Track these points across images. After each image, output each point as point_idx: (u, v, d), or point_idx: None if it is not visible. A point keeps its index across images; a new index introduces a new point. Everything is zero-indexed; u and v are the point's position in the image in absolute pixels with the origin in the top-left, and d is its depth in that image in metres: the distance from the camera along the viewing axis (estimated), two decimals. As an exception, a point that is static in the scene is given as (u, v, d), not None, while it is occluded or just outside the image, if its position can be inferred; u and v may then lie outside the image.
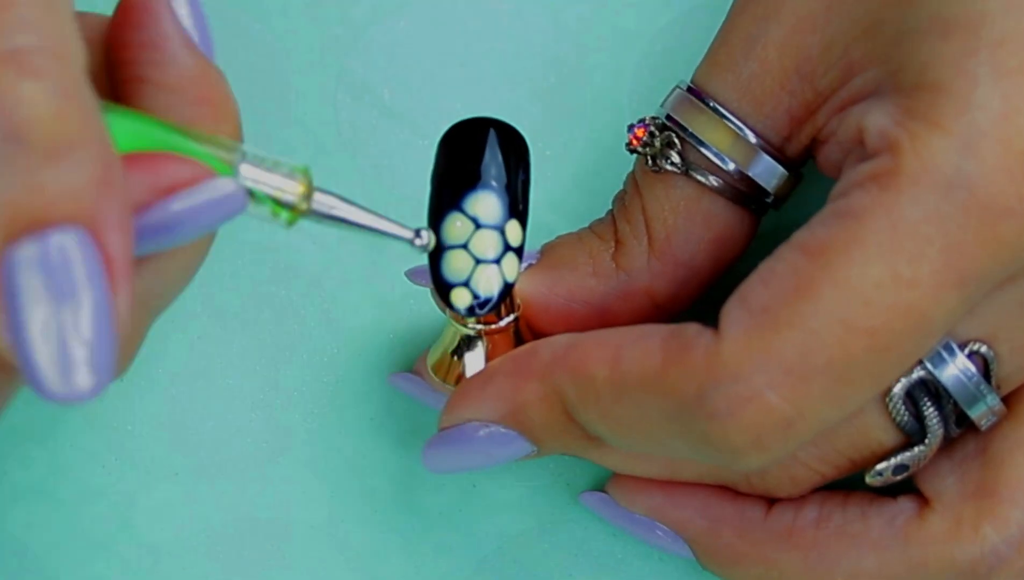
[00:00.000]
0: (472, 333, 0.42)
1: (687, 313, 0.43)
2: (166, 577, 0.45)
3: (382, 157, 0.47)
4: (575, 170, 0.47)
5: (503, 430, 0.41)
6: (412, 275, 0.44)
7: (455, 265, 0.40)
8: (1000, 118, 0.35)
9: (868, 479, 0.40)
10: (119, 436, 0.46)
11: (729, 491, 0.42)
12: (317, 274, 0.47)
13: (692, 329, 0.37)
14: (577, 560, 0.45)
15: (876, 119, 0.37)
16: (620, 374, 0.38)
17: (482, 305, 0.41)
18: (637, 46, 0.48)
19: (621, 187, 0.43)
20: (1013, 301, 0.38)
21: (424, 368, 0.44)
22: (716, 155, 0.41)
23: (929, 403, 0.39)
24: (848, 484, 0.41)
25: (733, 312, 0.37)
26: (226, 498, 0.46)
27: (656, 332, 0.38)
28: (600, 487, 0.45)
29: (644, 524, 0.43)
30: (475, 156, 0.41)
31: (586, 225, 0.43)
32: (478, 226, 0.40)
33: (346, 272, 0.47)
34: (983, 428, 0.40)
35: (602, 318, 0.42)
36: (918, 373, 0.39)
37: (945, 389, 0.39)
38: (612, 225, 0.42)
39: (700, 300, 0.43)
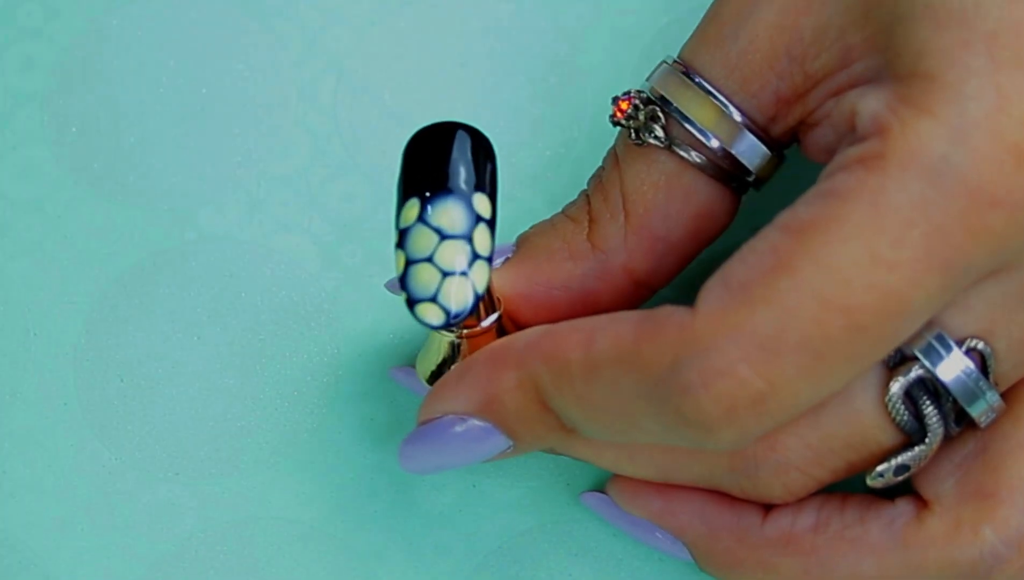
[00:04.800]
0: (456, 338, 0.42)
1: (669, 294, 0.44)
2: (166, 577, 0.45)
3: (382, 157, 0.47)
4: (575, 170, 0.47)
5: (479, 423, 0.41)
6: (390, 286, 0.44)
7: (422, 279, 0.39)
8: (993, 109, 0.35)
9: (869, 481, 0.40)
10: (119, 436, 0.46)
11: (727, 496, 0.42)
12: (317, 274, 0.47)
13: (666, 309, 0.37)
14: (577, 560, 0.45)
15: (869, 104, 0.37)
16: (594, 354, 0.38)
17: (453, 319, 0.39)
18: (637, 46, 0.48)
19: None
20: (1008, 295, 0.38)
21: (417, 370, 0.44)
22: (700, 131, 0.41)
23: (928, 402, 0.39)
24: (845, 487, 0.41)
25: (711, 289, 0.37)
26: (226, 498, 0.46)
27: (631, 314, 0.38)
28: (600, 487, 0.45)
29: (643, 526, 0.43)
30: (440, 162, 0.39)
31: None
32: (443, 237, 0.39)
33: (346, 272, 0.47)
34: (983, 425, 0.40)
35: (584, 301, 0.42)
36: (916, 372, 0.39)
37: (945, 387, 0.39)
38: (586, 205, 0.42)
39: (684, 285, 0.43)
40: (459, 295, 0.39)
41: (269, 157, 0.47)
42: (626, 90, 0.42)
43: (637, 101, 0.42)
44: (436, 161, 0.39)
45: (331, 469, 0.46)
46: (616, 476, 0.43)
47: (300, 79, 0.48)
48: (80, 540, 0.45)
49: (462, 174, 0.39)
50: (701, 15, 0.44)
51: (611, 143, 0.43)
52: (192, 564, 0.45)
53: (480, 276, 0.39)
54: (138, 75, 0.48)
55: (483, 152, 0.40)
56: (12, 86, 0.48)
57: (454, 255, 0.39)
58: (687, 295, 0.44)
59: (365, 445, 0.46)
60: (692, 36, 0.41)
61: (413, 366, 0.45)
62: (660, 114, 0.41)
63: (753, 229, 0.43)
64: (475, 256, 0.39)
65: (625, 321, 0.38)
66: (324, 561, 0.45)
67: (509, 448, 0.41)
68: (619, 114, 0.42)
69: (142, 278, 0.47)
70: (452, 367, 0.42)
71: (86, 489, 0.46)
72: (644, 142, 0.41)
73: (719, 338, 0.36)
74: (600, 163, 0.43)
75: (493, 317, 0.41)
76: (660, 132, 0.41)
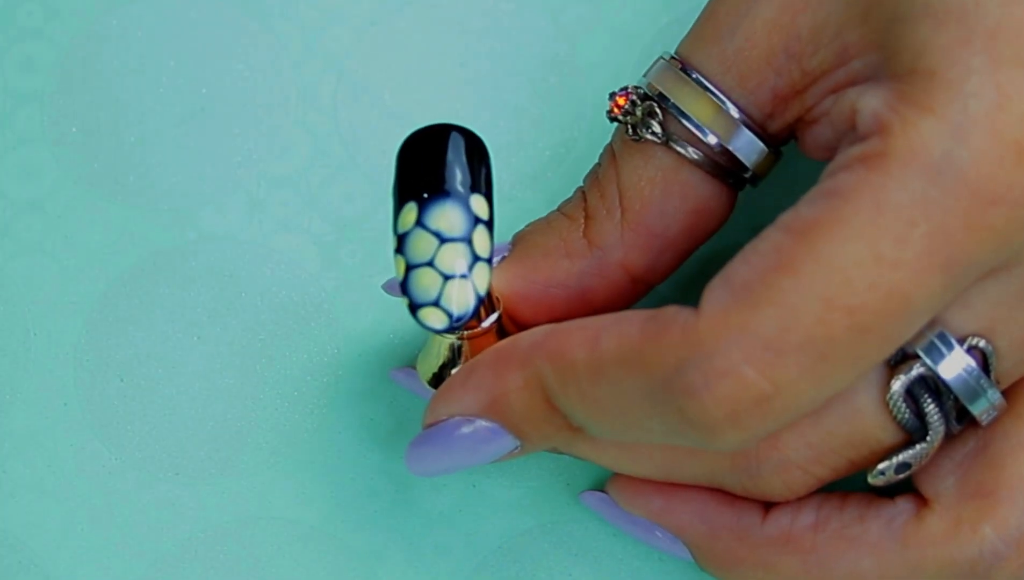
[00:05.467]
0: (456, 340, 0.42)
1: (671, 296, 0.43)
2: (166, 577, 0.45)
3: (382, 157, 0.47)
4: (575, 170, 0.47)
5: (486, 424, 0.41)
6: (387, 287, 0.44)
7: (423, 283, 0.39)
8: (993, 107, 0.35)
9: (870, 479, 0.40)
10: (119, 436, 0.46)
11: (727, 495, 0.42)
12: (317, 274, 0.47)
13: (670, 310, 0.37)
14: (577, 560, 0.45)
15: (869, 102, 0.37)
16: (599, 354, 0.38)
17: (456, 322, 0.39)
18: (637, 46, 0.48)
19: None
20: (1009, 293, 0.38)
21: (417, 371, 0.43)
22: (697, 127, 0.41)
23: (930, 400, 0.39)
24: (846, 485, 0.41)
25: (714, 290, 0.37)
26: (226, 498, 0.46)
27: (635, 315, 0.38)
28: (600, 487, 0.45)
29: (643, 525, 0.43)
30: (436, 165, 0.39)
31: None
32: (442, 240, 0.39)
33: (346, 272, 0.47)
34: (984, 423, 0.40)
35: (581, 300, 0.42)
36: (918, 370, 0.39)
37: (946, 385, 0.39)
38: (582, 202, 0.42)
39: (682, 281, 0.43)
40: (461, 298, 0.39)
41: (269, 157, 0.48)
42: (623, 86, 0.42)
43: (634, 97, 0.42)
44: (431, 164, 0.39)
45: (331, 469, 0.46)
46: (616, 475, 0.43)
47: (300, 79, 0.48)
48: (80, 540, 0.45)
49: (458, 176, 0.39)
50: (700, 15, 0.44)
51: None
52: (192, 564, 0.45)
53: (481, 278, 0.39)
54: (138, 75, 0.48)
55: (477, 153, 0.40)
56: (12, 86, 0.48)
57: (454, 258, 0.39)
58: (684, 291, 0.44)
59: (365, 445, 0.46)
60: (689, 33, 0.41)
61: (413, 367, 0.45)
62: (657, 110, 0.41)
63: (749, 225, 0.43)
64: (475, 258, 0.39)
65: (630, 321, 0.38)
66: (324, 561, 0.45)
67: (516, 448, 0.41)
68: (616, 110, 0.42)
69: (142, 278, 0.47)
70: (454, 368, 0.42)
71: (86, 489, 0.46)
72: (641, 138, 0.41)
73: (722, 339, 0.36)
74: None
75: (493, 317, 0.41)
76: (657, 128, 0.41)
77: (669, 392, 0.37)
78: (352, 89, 0.48)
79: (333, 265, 0.47)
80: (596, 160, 0.43)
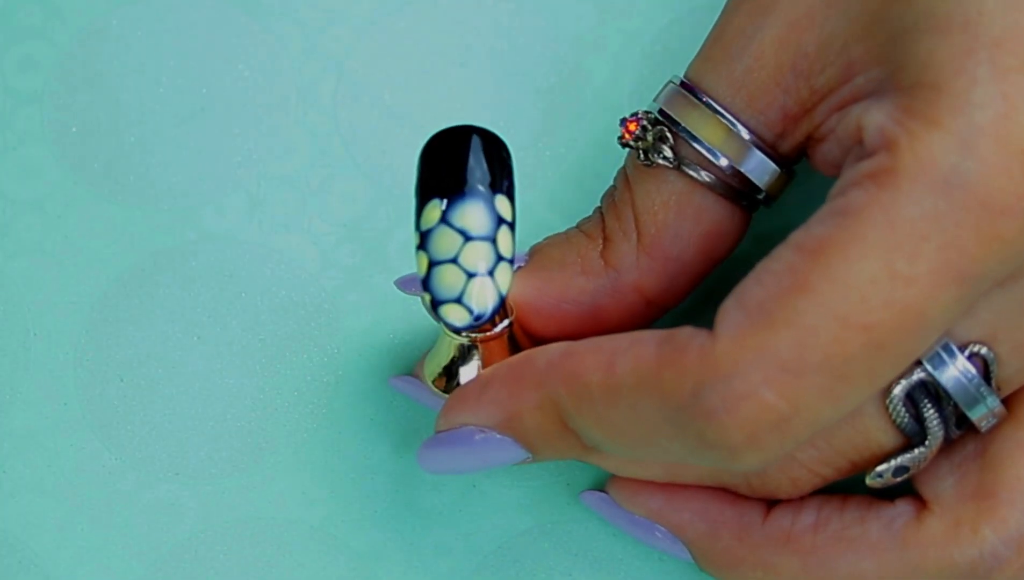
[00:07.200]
0: (467, 342, 0.42)
1: (679, 311, 0.43)
2: (166, 577, 0.45)
3: (382, 157, 0.47)
4: (575, 170, 0.47)
5: (498, 435, 0.41)
6: (401, 284, 0.44)
7: (446, 281, 0.39)
8: (999, 117, 0.35)
9: (868, 481, 0.40)
10: (119, 436, 0.46)
11: (728, 495, 0.42)
12: (317, 274, 0.47)
13: (686, 331, 0.37)
14: (577, 560, 0.45)
15: (875, 117, 0.37)
16: (615, 378, 0.38)
17: (477, 320, 0.39)
18: (637, 46, 0.48)
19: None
20: (1012, 301, 0.38)
21: (423, 373, 0.43)
22: (708, 150, 0.41)
23: (929, 405, 0.39)
24: (847, 487, 0.41)
25: (729, 312, 0.37)
26: (226, 498, 0.46)
27: (650, 336, 0.38)
28: (600, 487, 0.45)
29: (643, 525, 0.43)
30: (459, 165, 0.39)
31: (582, 225, 0.43)
32: (467, 238, 0.39)
33: (346, 272, 0.47)
34: (983, 430, 0.40)
35: (594, 317, 0.42)
36: (918, 375, 0.39)
37: (945, 391, 0.39)
38: (600, 222, 0.42)
39: (694, 298, 0.43)
40: (483, 296, 0.39)
41: (269, 157, 0.48)
42: (634, 111, 0.42)
43: (645, 122, 0.42)
44: (456, 164, 0.39)
45: (331, 469, 0.46)
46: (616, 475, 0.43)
47: (300, 79, 0.48)
48: (80, 540, 0.45)
49: (483, 177, 0.39)
50: (702, 15, 0.44)
51: (611, 144, 0.43)
52: (192, 564, 0.45)
53: (503, 278, 0.39)
54: (138, 75, 0.48)
55: (501, 155, 0.40)
56: (12, 86, 0.48)
57: (479, 256, 0.39)
58: (696, 307, 0.44)
59: (365, 445, 0.46)
60: (697, 56, 0.41)
61: (411, 374, 0.45)
62: (668, 134, 0.41)
63: (757, 241, 0.43)
64: (498, 258, 0.39)
65: (644, 343, 0.38)
66: (324, 561, 0.45)
67: (528, 458, 0.41)
68: (627, 135, 0.42)
69: (142, 278, 0.47)
70: (463, 366, 0.42)
71: (86, 489, 0.46)
72: (653, 163, 0.41)
73: (740, 362, 0.36)
74: (598, 162, 0.43)
75: (505, 323, 0.41)
76: (669, 152, 0.41)
77: (688, 416, 0.37)
78: (352, 89, 0.48)
79: (333, 265, 0.47)
80: (597, 160, 0.43)
